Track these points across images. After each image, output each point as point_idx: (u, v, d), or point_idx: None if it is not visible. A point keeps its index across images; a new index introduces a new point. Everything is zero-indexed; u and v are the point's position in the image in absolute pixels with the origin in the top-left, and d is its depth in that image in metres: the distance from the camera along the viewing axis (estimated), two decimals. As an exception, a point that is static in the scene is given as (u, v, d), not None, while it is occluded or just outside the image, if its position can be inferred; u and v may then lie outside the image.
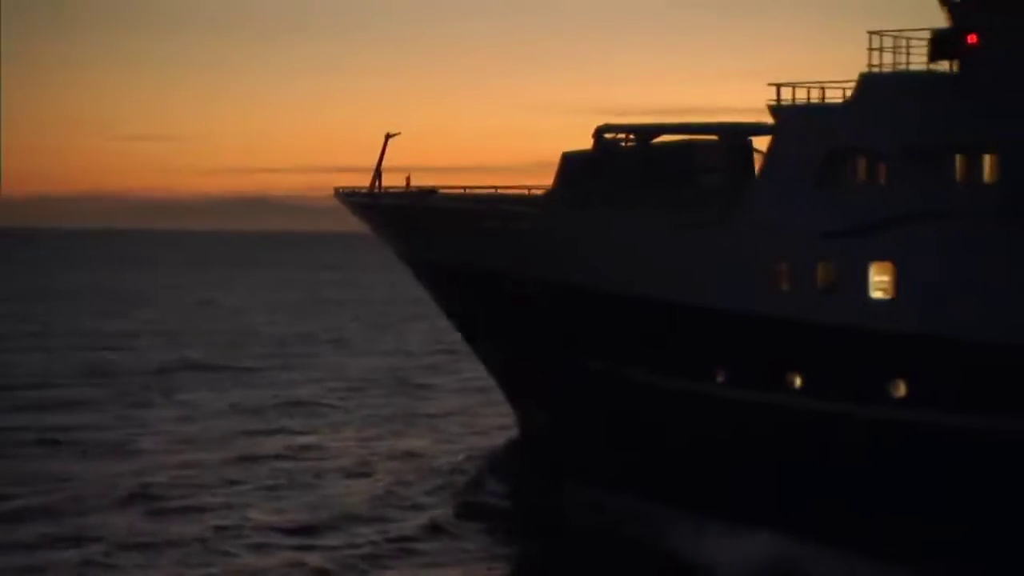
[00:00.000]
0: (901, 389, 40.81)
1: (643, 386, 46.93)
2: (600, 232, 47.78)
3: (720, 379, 44.58)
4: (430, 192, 56.18)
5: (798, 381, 42.74)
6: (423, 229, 55.08)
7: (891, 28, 43.00)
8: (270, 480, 56.56)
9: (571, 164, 50.14)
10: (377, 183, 57.13)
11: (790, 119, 43.91)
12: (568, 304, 49.11)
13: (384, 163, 56.82)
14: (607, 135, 49.88)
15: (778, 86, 44.17)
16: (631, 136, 49.73)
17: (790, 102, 44.10)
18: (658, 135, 49.55)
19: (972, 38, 41.11)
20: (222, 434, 67.24)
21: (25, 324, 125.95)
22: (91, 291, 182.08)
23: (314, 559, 44.77)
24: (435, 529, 48.54)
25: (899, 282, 41.07)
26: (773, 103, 44.23)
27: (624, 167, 49.03)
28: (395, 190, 56.98)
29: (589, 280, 47.97)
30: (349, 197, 59.18)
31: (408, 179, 57.34)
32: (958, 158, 40.83)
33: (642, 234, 46.61)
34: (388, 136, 56.98)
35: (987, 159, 40.53)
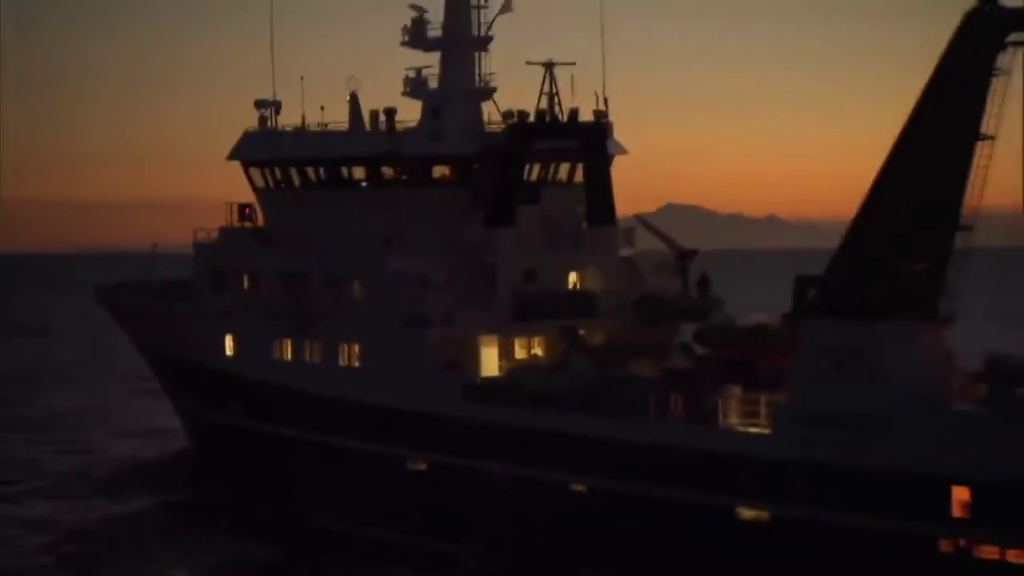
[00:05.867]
0: (238, 407, 74.10)
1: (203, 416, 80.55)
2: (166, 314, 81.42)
3: (210, 406, 77.99)
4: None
5: (240, 406, 75.61)
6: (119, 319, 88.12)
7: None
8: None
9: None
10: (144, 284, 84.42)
11: (198, 251, 77.31)
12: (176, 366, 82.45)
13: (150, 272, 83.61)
14: None
15: (196, 231, 77.62)
16: None
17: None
18: None
19: (248, 210, 73.93)
20: None
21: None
22: None
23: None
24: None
25: (236, 345, 74.36)
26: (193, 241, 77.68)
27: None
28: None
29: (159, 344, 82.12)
30: (103, 296, 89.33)
31: (154, 246, 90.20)
32: (246, 277, 74.05)
33: (168, 315, 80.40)
34: (154, 246, 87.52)
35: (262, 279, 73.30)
